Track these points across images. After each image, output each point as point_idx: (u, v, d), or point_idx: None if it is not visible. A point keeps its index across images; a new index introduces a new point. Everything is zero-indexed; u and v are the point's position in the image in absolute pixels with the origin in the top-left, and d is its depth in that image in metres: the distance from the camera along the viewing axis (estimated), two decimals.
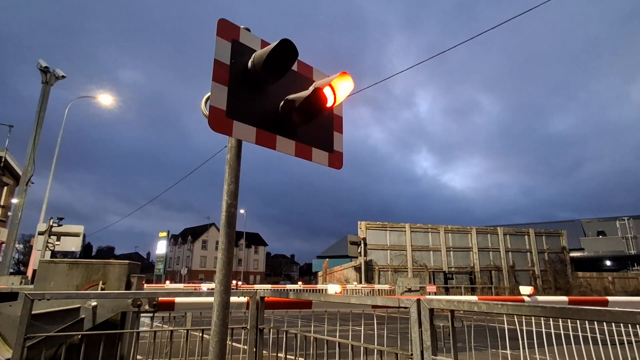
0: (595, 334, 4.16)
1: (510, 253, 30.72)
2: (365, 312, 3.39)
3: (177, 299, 3.57)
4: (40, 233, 12.84)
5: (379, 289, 22.91)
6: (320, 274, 33.63)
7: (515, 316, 3.56)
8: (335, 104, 2.52)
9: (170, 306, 3.53)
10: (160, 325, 4.50)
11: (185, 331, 3.37)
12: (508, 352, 4.42)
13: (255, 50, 2.46)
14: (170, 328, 3.49)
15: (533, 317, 1.81)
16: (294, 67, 2.73)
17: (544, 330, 3.94)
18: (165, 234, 59.62)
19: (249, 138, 2.31)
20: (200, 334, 3.24)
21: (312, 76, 2.85)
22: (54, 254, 13.04)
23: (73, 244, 13.35)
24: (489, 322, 4.06)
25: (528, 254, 31.37)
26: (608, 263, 39.18)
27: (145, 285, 4.88)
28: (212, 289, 2.58)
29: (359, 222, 28.47)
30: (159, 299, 3.38)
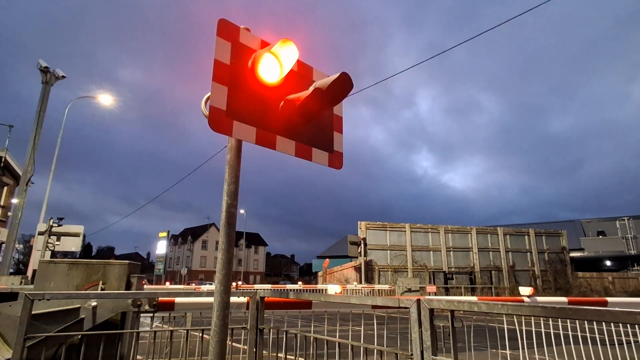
0: (595, 334, 4.16)
1: (510, 253, 30.72)
2: (365, 312, 3.39)
3: (177, 299, 3.57)
4: (40, 233, 12.85)
5: (379, 289, 22.91)
6: (320, 274, 33.63)
7: (515, 316, 3.56)
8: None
9: (170, 306, 3.53)
10: (160, 325, 4.50)
11: (185, 331, 3.37)
12: (508, 352, 4.42)
13: (255, 50, 2.46)
14: (170, 328, 3.49)
15: (533, 318, 1.81)
16: (294, 67, 2.73)
17: (543, 330, 3.94)
18: (165, 234, 59.67)
19: (249, 138, 2.32)
20: (200, 334, 3.24)
21: (312, 76, 2.85)
22: (54, 254, 13.04)
23: (73, 244, 13.36)
24: (489, 322, 4.06)
25: (528, 254, 31.38)
26: (608, 263, 39.18)
27: (145, 285, 4.88)
28: (212, 289, 2.58)
29: (359, 222, 28.48)
30: (159, 299, 3.38)
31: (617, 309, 1.44)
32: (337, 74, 2.40)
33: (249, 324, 3.09)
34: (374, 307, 3.29)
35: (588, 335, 4.18)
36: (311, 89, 2.39)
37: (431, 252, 29.13)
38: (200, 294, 3.57)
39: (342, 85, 2.29)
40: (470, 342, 3.85)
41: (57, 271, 3.54)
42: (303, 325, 3.28)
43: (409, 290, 20.00)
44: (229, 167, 2.44)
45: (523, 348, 3.90)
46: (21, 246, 53.05)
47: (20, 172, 16.74)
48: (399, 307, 2.27)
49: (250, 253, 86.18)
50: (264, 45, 2.52)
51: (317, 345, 2.82)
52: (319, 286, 25.47)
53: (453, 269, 29.19)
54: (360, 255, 27.00)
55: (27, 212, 13.30)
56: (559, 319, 4.04)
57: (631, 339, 4.49)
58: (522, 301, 4.97)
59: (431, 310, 2.04)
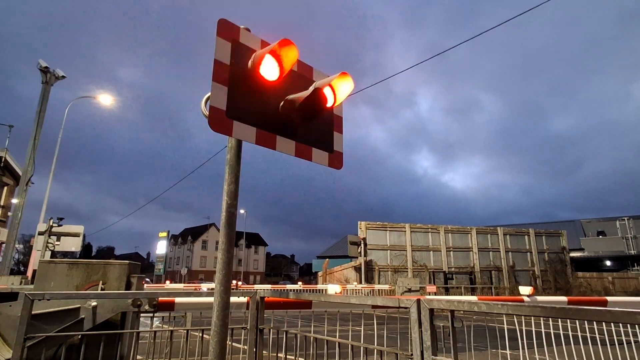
0: (595, 334, 4.16)
1: (510, 253, 30.72)
2: (365, 312, 3.39)
3: (177, 299, 3.57)
4: (40, 233, 12.84)
5: (379, 289, 22.92)
6: (320, 274, 33.63)
7: (515, 316, 3.56)
8: (336, 104, 2.52)
9: (170, 306, 3.53)
10: (160, 325, 4.50)
11: (185, 331, 3.37)
12: (508, 352, 4.42)
13: (255, 50, 2.46)
14: (170, 328, 3.49)
15: (533, 317, 1.81)
16: (294, 67, 2.73)
17: (543, 330, 3.94)
18: (165, 234, 59.66)
19: (249, 138, 2.32)
20: (200, 334, 3.24)
21: (312, 76, 2.85)
22: (54, 254, 13.04)
23: (73, 244, 13.35)
24: (489, 322, 4.06)
25: (528, 254, 31.38)
26: (608, 263, 39.19)
27: (145, 285, 4.87)
28: (212, 289, 2.58)
29: (359, 222, 28.48)
30: (159, 299, 3.38)
31: (617, 309, 1.44)
32: (337, 74, 2.40)
33: (249, 324, 3.09)
34: (374, 307, 3.29)
35: (588, 335, 4.18)
36: (311, 89, 2.39)
37: (431, 252, 29.13)
38: (200, 294, 3.57)
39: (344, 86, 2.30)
40: (470, 342, 3.85)
41: (57, 271, 3.54)
42: (303, 325, 3.28)
43: (409, 290, 20.00)
44: (229, 167, 2.44)
45: (523, 348, 3.90)
46: (21, 246, 53.09)
47: (20, 172, 16.74)
48: (399, 307, 2.27)
49: (250, 253, 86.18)
50: (264, 45, 2.52)
51: (317, 345, 2.82)
52: (319, 286, 25.48)
53: (453, 269, 29.19)
54: (360, 255, 27.01)
55: (27, 212, 13.32)
56: (559, 319, 4.04)
57: (631, 339, 4.49)
58: (522, 301, 4.97)
59: (431, 310, 2.04)
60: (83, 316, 3.17)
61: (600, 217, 47.90)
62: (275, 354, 3.17)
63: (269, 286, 25.20)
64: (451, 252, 29.57)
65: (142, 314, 3.38)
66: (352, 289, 22.09)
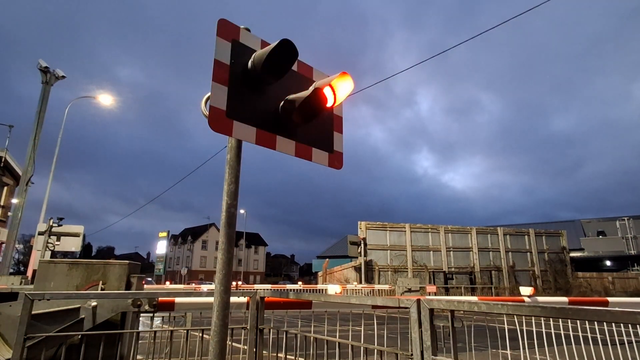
0: (595, 334, 4.16)
1: (510, 253, 30.72)
2: (365, 312, 3.39)
3: (177, 299, 3.57)
4: (40, 233, 12.84)
5: (379, 289, 22.91)
6: (320, 274, 33.63)
7: (515, 316, 3.56)
8: (335, 104, 2.52)
9: (170, 306, 3.53)
10: (161, 325, 4.50)
11: (185, 331, 3.37)
12: (508, 352, 4.42)
13: (255, 51, 2.46)
14: (170, 328, 3.48)
15: (533, 317, 1.81)
16: (294, 67, 2.73)
17: (544, 330, 3.94)
18: (165, 234, 59.70)
19: (249, 138, 2.32)
20: (200, 334, 3.24)
21: (312, 76, 2.85)
22: (54, 254, 13.04)
23: (73, 244, 13.36)
24: (489, 322, 4.06)
25: (528, 254, 31.38)
26: (608, 263, 39.20)
27: (145, 285, 4.87)
28: (212, 289, 2.58)
29: (359, 222, 28.48)
30: (159, 299, 3.38)
31: (617, 309, 1.44)
32: (337, 74, 2.40)
33: (249, 324, 3.09)
34: (374, 307, 3.29)
35: (589, 335, 4.18)
36: (311, 89, 2.39)
37: (431, 252, 29.13)
38: (200, 294, 3.57)
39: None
40: (470, 342, 3.85)
41: (57, 271, 3.54)
42: (303, 325, 3.28)
43: (409, 290, 20.00)
44: (229, 167, 2.44)
45: (523, 348, 3.90)
46: (21, 246, 53.10)
47: (20, 172, 16.73)
48: (399, 307, 2.27)
49: (250, 253, 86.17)
50: (264, 45, 2.52)
51: (317, 345, 2.82)
52: (319, 286, 25.47)
53: (453, 269, 29.19)
54: (360, 255, 27.01)
55: (27, 212, 13.31)
56: (559, 319, 4.04)
57: (632, 339, 4.49)
58: (522, 301, 4.97)
59: (431, 310, 2.04)
60: (83, 316, 3.17)
61: (600, 217, 47.92)
62: (275, 354, 3.17)
63: (269, 286, 25.19)
64: (451, 252, 29.56)
65: (142, 314, 3.38)
66: (352, 289, 22.08)
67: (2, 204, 23.93)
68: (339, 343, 2.65)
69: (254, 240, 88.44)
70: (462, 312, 2.03)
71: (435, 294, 20.32)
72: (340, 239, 52.24)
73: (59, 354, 2.86)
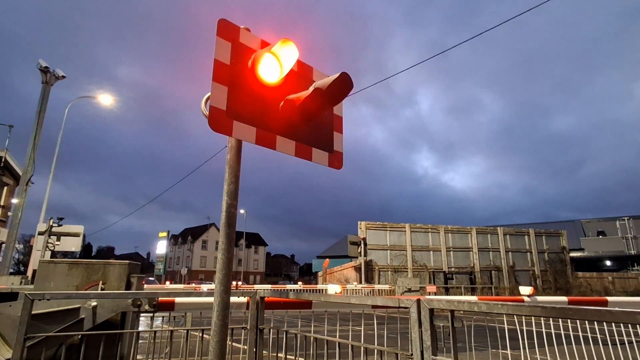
0: (595, 334, 4.16)
1: (510, 253, 30.73)
2: (365, 312, 3.39)
3: (177, 299, 3.57)
4: (40, 233, 12.85)
5: (379, 289, 22.92)
6: (320, 274, 33.65)
7: (515, 316, 3.56)
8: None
9: (170, 306, 3.53)
10: (160, 325, 4.50)
11: (185, 331, 3.37)
12: (508, 352, 4.42)
13: (255, 51, 2.46)
14: (170, 328, 3.49)
15: (533, 317, 1.81)
16: (294, 67, 2.73)
17: (544, 330, 3.94)
18: (165, 234, 59.72)
19: (249, 138, 2.32)
20: (200, 334, 3.24)
21: (312, 76, 2.86)
22: (54, 254, 13.05)
23: (73, 244, 13.36)
24: (489, 322, 4.06)
25: (528, 254, 31.39)
26: (608, 263, 39.20)
27: (145, 285, 4.87)
28: (212, 289, 2.58)
29: (359, 222, 28.49)
30: (159, 299, 3.38)
31: (617, 309, 1.44)
32: (337, 74, 2.40)
33: (249, 324, 3.09)
34: (374, 307, 3.29)
35: (589, 335, 4.18)
36: (311, 89, 2.39)
37: (431, 252, 29.14)
38: (200, 294, 3.57)
39: (342, 85, 2.29)
40: (470, 342, 3.85)
41: (57, 271, 3.54)
42: (303, 325, 3.28)
43: (409, 290, 20.00)
44: (229, 167, 2.44)
45: (523, 348, 3.90)
46: (21, 246, 53.11)
47: (20, 172, 16.74)
48: (399, 307, 2.27)
49: (250, 253, 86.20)
50: (264, 45, 2.52)
51: (317, 345, 2.82)
52: (319, 286, 25.48)
53: (453, 269, 29.20)
54: (360, 255, 27.01)
55: (27, 212, 13.31)
56: (559, 319, 4.04)
57: (633, 339, 4.49)
58: (522, 301, 4.97)
59: (431, 310, 2.04)
60: (83, 316, 3.17)
61: (600, 217, 47.91)
62: (275, 354, 3.17)
63: (269, 286, 25.22)
64: (451, 252, 29.57)
65: (142, 314, 3.38)
66: (352, 289, 22.09)
67: (2, 204, 23.94)
68: (339, 343, 2.65)
69: (254, 240, 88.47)
70: (462, 312, 2.03)
71: (435, 294, 20.32)
72: (340, 239, 52.25)
73: (59, 354, 2.86)
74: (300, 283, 31.37)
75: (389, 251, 28.22)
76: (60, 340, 2.90)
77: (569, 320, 4.21)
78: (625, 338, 4.48)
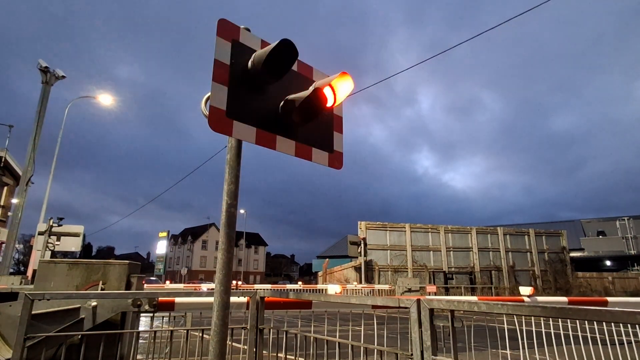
0: (595, 334, 4.16)
1: (510, 253, 30.72)
2: (365, 312, 3.39)
3: (177, 299, 3.57)
4: (40, 233, 12.84)
5: (379, 289, 22.91)
6: (320, 274, 33.64)
7: (515, 316, 3.56)
8: (336, 104, 2.52)
9: (170, 306, 3.53)
10: (160, 325, 4.50)
11: (185, 331, 3.37)
12: (508, 352, 4.42)
13: (255, 50, 2.46)
14: (170, 328, 3.49)
15: (533, 317, 1.81)
16: (294, 67, 2.73)
17: (543, 330, 3.94)
18: (165, 234, 59.77)
19: (249, 138, 2.31)
20: (200, 334, 3.24)
21: (312, 76, 2.85)
22: (54, 254, 13.04)
23: (73, 244, 13.35)
24: (489, 322, 4.06)
25: (528, 254, 31.37)
26: (608, 263, 39.19)
27: (147, 285, 4.88)
28: (212, 289, 2.58)
29: (359, 222, 28.47)
30: (159, 299, 3.38)
31: (617, 309, 1.44)
32: (337, 74, 2.40)
33: (249, 324, 3.09)
34: (374, 307, 3.29)
35: (588, 335, 4.18)
36: (311, 89, 2.39)
37: (431, 252, 29.13)
38: (200, 294, 3.57)
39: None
40: (470, 342, 3.85)
41: (57, 271, 3.54)
42: (303, 325, 3.28)
43: (409, 290, 19.99)
44: (229, 167, 2.44)
45: (523, 348, 3.90)
46: (21, 246, 53.10)
47: (20, 172, 16.73)
48: (399, 307, 2.27)
49: (250, 253, 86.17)
50: (264, 45, 2.52)
51: (317, 345, 2.82)
52: (319, 286, 25.46)
53: (453, 269, 29.18)
54: (360, 255, 27.00)
55: (27, 212, 13.31)
56: (559, 319, 4.04)
57: (632, 339, 4.49)
58: (522, 301, 4.97)
59: (431, 310, 2.04)
60: (83, 316, 3.17)
61: (600, 217, 47.92)
62: (275, 354, 3.17)
63: (269, 286, 25.19)
64: (451, 252, 29.56)
65: (142, 314, 3.38)
66: (352, 289, 22.08)
67: (2, 204, 23.93)
68: (339, 343, 2.65)
69: (254, 240, 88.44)
70: (462, 312, 2.03)
71: (435, 294, 20.32)
72: (340, 239, 52.24)
73: (59, 354, 2.86)
74: (300, 283, 31.36)
75: (389, 251, 28.20)
76: (60, 340, 2.90)
77: (568, 321, 4.20)
78: (625, 338, 4.48)
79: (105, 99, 18.73)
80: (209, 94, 2.21)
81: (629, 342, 4.45)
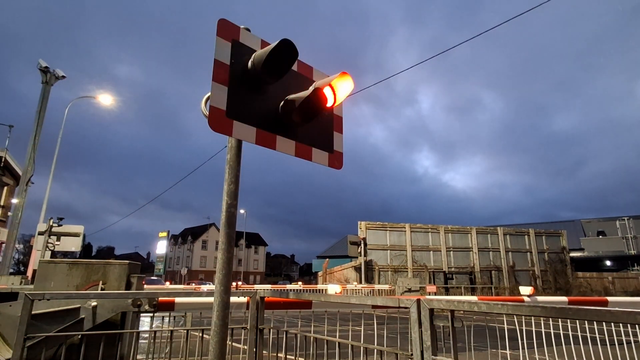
0: (595, 334, 4.16)
1: (510, 253, 30.72)
2: (365, 312, 3.39)
3: (177, 299, 3.57)
4: (40, 233, 12.84)
5: (379, 289, 22.91)
6: (320, 274, 33.63)
7: (515, 316, 3.56)
8: (336, 104, 2.52)
9: (170, 306, 3.53)
10: (160, 325, 4.50)
11: (185, 331, 3.37)
12: (508, 352, 4.42)
13: (255, 51, 2.46)
14: (170, 328, 3.49)
15: (533, 317, 1.81)
16: (294, 67, 2.73)
17: (543, 330, 3.94)
18: (165, 234, 59.79)
19: (249, 138, 2.31)
20: (200, 334, 3.24)
21: (312, 76, 2.85)
22: (54, 254, 13.04)
23: (73, 244, 13.35)
24: (489, 322, 4.06)
25: (528, 254, 31.38)
26: (608, 263, 39.21)
27: (149, 285, 4.89)
28: (212, 289, 2.58)
29: (359, 222, 28.48)
30: (159, 299, 3.38)
31: (617, 309, 1.44)
32: (337, 74, 2.40)
33: (249, 324, 3.09)
34: (374, 307, 3.29)
35: (588, 335, 4.18)
36: (311, 89, 2.39)
37: (431, 252, 29.13)
38: (200, 294, 3.56)
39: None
40: (470, 342, 3.85)
41: (57, 271, 3.54)
42: (303, 325, 3.28)
43: (409, 290, 20.00)
44: (229, 167, 2.44)
45: (523, 348, 3.89)
46: (21, 246, 53.12)
47: (20, 172, 16.74)
48: (399, 307, 2.27)
49: (250, 253, 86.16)
50: (264, 45, 2.52)
51: (317, 345, 2.82)
52: (319, 286, 25.47)
53: (453, 269, 29.19)
54: (360, 255, 27.01)
55: (27, 212, 13.31)
56: (559, 319, 4.04)
57: (631, 339, 4.49)
58: (522, 301, 4.97)
59: (431, 310, 2.04)
60: (83, 316, 3.17)
61: (600, 217, 47.94)
62: (275, 354, 3.17)
63: (269, 286, 25.21)
64: (451, 252, 29.56)
65: (142, 314, 3.38)
66: (352, 289, 22.08)
67: (2, 204, 23.94)
68: (339, 343, 2.65)
69: (254, 240, 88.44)
70: (462, 312, 2.03)
71: (435, 294, 20.32)
72: (340, 239, 52.23)
73: (59, 354, 2.86)
74: (300, 283, 31.38)
75: (389, 251, 28.21)
76: (60, 340, 2.90)
77: (568, 321, 4.20)
78: (625, 338, 4.48)
79: (105, 99, 18.73)
80: (209, 94, 2.21)
81: (629, 342, 4.45)
